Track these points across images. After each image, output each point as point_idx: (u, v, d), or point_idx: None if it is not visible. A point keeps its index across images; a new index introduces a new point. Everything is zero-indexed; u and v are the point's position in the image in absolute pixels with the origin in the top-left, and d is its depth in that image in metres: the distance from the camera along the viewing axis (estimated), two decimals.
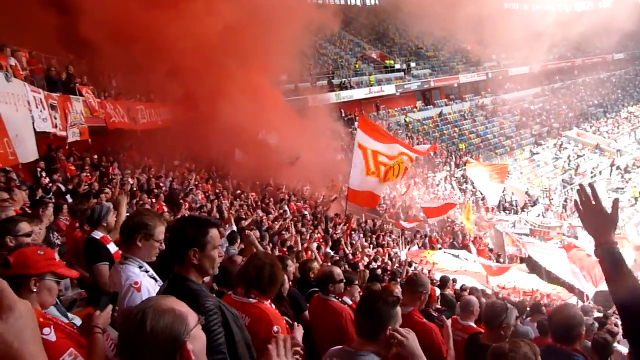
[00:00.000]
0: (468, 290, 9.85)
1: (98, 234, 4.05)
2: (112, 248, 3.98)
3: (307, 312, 4.25)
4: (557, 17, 44.53)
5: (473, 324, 4.16)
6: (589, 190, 1.95)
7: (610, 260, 1.84)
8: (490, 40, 37.59)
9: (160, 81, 17.21)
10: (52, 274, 2.22)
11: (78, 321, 2.51)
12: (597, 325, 4.96)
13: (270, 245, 10.38)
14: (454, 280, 11.39)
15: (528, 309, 8.01)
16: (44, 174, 9.99)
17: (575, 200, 2.00)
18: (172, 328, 1.41)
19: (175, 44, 16.45)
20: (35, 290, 2.13)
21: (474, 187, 28.29)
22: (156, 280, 2.78)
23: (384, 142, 13.06)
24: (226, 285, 3.58)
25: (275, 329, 2.72)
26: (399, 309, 2.38)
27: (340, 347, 2.46)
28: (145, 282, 2.66)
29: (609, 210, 1.90)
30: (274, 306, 3.01)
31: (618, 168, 33.43)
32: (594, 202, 1.92)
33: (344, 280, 4.16)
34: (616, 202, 1.96)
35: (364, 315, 2.37)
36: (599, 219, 1.90)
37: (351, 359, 2.33)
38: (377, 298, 2.39)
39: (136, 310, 1.46)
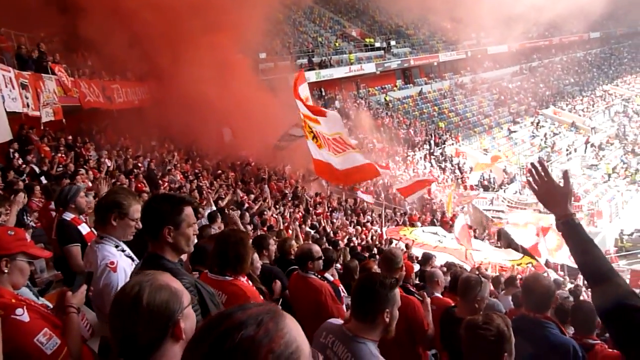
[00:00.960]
0: (447, 266, 10.03)
1: (69, 215, 4.01)
2: (84, 229, 3.94)
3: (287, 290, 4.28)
4: None
5: (439, 295, 4.28)
6: (539, 167, 1.99)
7: (572, 232, 1.87)
8: (469, 19, 37.55)
9: (131, 56, 16.87)
10: (24, 254, 2.19)
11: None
12: (571, 298, 5.12)
13: (251, 225, 10.40)
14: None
15: (503, 283, 8.20)
16: (16, 155, 9.73)
17: (528, 180, 2.03)
18: (167, 304, 1.41)
19: (140, 13, 16.10)
20: (6, 270, 2.10)
21: (452, 165, 28.65)
22: (133, 260, 2.75)
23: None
24: (203, 264, 3.57)
25: None
26: (397, 290, 2.36)
27: (339, 324, 2.43)
28: (121, 262, 2.62)
29: (561, 184, 1.94)
30: (250, 282, 3.01)
31: (592, 145, 34.15)
32: (545, 179, 1.96)
33: (323, 257, 4.19)
34: (566, 173, 2.01)
35: (361, 298, 2.34)
36: (553, 194, 1.94)
37: (348, 343, 2.30)
38: (374, 281, 2.34)
39: (132, 282, 1.44)
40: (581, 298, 7.25)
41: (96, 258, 2.59)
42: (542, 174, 1.97)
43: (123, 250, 2.71)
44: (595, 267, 1.80)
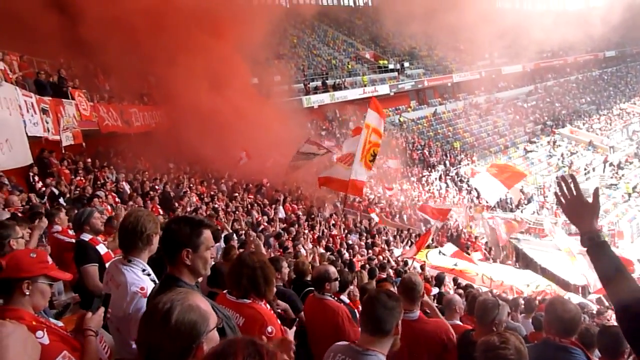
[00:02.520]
0: (463, 287, 9.88)
1: (87, 236, 4.08)
2: (102, 249, 4.01)
3: (302, 312, 4.24)
4: (548, 16, 44.82)
5: (459, 322, 4.17)
6: (569, 180, 1.99)
7: (596, 249, 1.86)
8: (483, 40, 37.72)
9: (147, 80, 17.25)
10: (45, 277, 2.21)
11: None
12: (587, 319, 4.99)
13: (266, 246, 10.40)
14: (455, 279, 11.45)
15: (522, 305, 8.03)
16: (36, 179, 9.93)
17: (556, 192, 2.03)
18: (194, 326, 1.43)
19: (153, 35, 16.55)
20: (27, 293, 2.13)
21: (468, 185, 28.41)
22: (156, 283, 2.76)
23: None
24: (219, 285, 3.57)
25: (269, 329, 2.70)
26: (401, 304, 2.46)
27: (346, 343, 2.47)
28: (148, 287, 2.64)
29: (590, 200, 1.93)
30: (268, 306, 2.99)
31: (611, 164, 33.64)
32: (574, 192, 1.95)
33: (339, 279, 4.16)
34: (596, 191, 1.98)
35: (379, 312, 2.38)
36: (580, 209, 1.94)
37: (357, 358, 2.33)
38: (390, 294, 2.46)
39: (165, 299, 1.47)
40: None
41: (125, 281, 2.60)
42: (572, 187, 1.96)
43: (148, 275, 2.72)
44: (620, 285, 1.78)
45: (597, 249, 1.86)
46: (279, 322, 2.99)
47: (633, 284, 1.77)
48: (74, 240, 4.37)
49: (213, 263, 4.12)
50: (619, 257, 1.86)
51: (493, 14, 37.88)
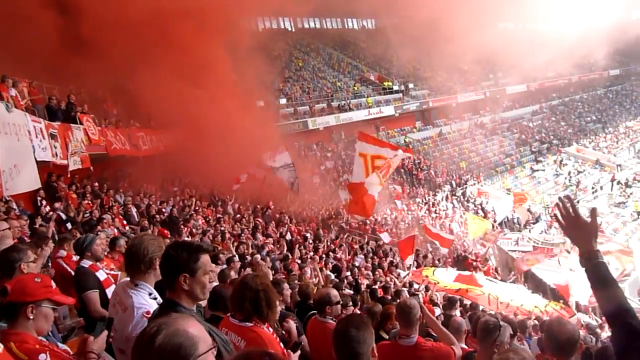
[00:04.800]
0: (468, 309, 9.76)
1: (86, 262, 4.13)
2: (101, 275, 4.06)
3: (303, 336, 4.24)
4: (551, 36, 45.13)
5: (464, 345, 4.13)
6: (566, 202, 2.03)
7: (594, 269, 1.90)
8: (487, 60, 37.99)
9: (157, 106, 17.57)
10: (49, 301, 2.27)
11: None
12: (593, 340, 4.95)
13: (273, 271, 10.37)
14: (460, 301, 11.26)
15: (530, 327, 7.95)
16: (44, 203, 10.03)
17: (555, 214, 2.07)
18: (179, 350, 1.43)
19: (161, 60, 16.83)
20: (31, 317, 2.18)
21: (475, 205, 28.29)
22: None
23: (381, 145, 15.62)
24: (220, 309, 3.58)
25: None
26: (370, 329, 2.47)
27: None
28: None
29: (588, 220, 1.98)
30: (271, 330, 3.01)
31: (619, 182, 33.36)
32: (572, 214, 1.99)
33: (341, 302, 4.16)
34: (594, 211, 2.03)
35: (343, 351, 2.41)
36: (579, 229, 1.98)
37: None
38: (349, 331, 2.43)
39: (153, 324, 1.50)
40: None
41: (132, 304, 2.62)
42: (570, 209, 2.00)
43: (155, 298, 2.74)
44: (614, 304, 1.83)
45: (595, 269, 1.90)
46: (282, 346, 3.01)
47: (630, 308, 1.82)
48: (72, 272, 4.42)
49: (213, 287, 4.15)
50: (615, 279, 1.90)
51: (496, 34, 38.10)
